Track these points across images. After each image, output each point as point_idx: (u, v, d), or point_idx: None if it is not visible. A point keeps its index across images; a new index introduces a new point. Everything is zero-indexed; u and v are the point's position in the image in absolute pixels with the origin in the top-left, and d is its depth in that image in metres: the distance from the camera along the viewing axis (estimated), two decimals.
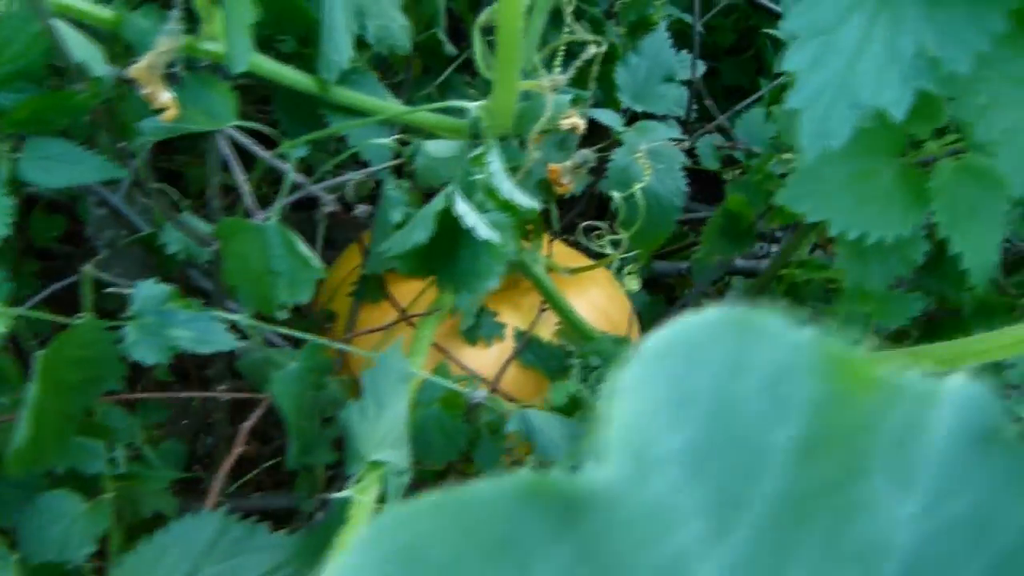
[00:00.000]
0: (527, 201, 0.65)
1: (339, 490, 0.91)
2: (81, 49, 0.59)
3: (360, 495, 0.62)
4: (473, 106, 0.63)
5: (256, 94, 1.01)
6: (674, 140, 0.96)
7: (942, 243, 0.65)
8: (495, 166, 0.63)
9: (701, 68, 1.14)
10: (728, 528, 0.19)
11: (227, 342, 0.59)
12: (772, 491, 0.19)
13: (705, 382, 0.18)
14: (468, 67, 1.07)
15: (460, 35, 1.06)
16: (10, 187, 0.58)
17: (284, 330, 0.68)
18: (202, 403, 0.83)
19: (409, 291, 0.92)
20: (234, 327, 0.68)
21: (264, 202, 0.80)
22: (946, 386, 0.20)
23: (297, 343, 0.77)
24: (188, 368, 0.97)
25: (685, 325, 0.18)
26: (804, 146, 0.44)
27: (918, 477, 0.20)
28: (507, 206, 0.64)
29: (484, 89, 1.03)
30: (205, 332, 0.58)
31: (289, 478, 1.01)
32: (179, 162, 0.96)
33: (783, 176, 0.79)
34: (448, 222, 0.62)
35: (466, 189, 0.62)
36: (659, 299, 1.29)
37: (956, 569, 0.20)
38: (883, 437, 0.19)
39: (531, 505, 0.16)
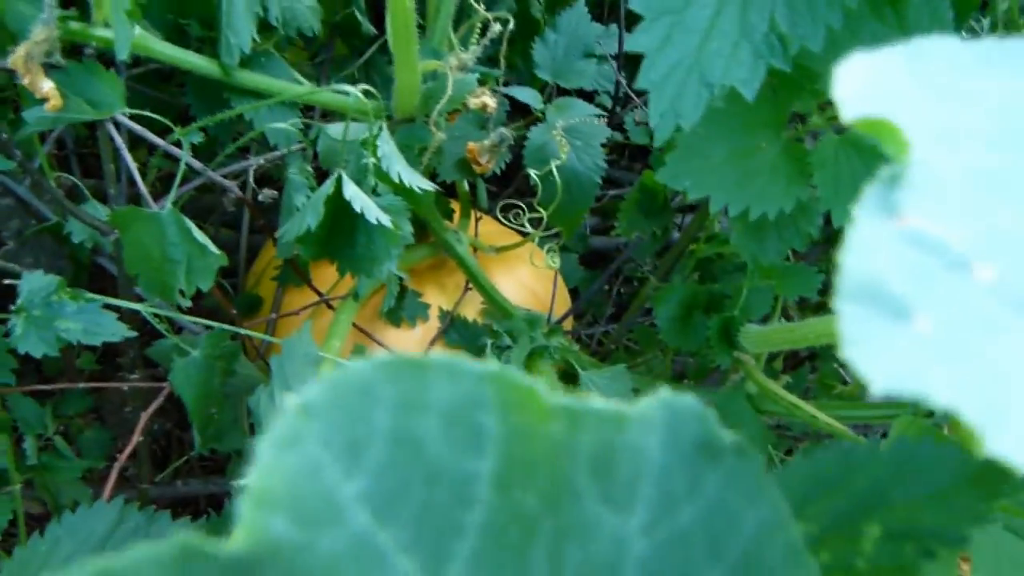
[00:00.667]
0: (424, 183, 0.65)
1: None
2: None
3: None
4: (353, 90, 0.62)
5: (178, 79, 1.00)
6: (596, 116, 0.96)
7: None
8: (385, 148, 0.62)
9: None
10: (442, 560, 0.19)
11: (116, 332, 0.59)
12: (483, 520, 0.19)
13: (380, 424, 0.18)
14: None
15: (382, 15, 1.05)
16: None
17: (188, 318, 0.68)
18: (120, 392, 0.82)
19: (333, 275, 0.92)
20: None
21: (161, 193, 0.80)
22: (641, 407, 0.20)
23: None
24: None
25: (350, 371, 0.18)
26: (655, 126, 0.44)
27: (637, 493, 0.20)
28: (402, 189, 0.63)
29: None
30: (94, 323, 0.58)
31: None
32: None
33: None
34: (342, 206, 0.62)
35: (359, 173, 0.62)
36: (597, 274, 1.29)
37: (698, 573, 0.21)
38: (580, 461, 0.19)
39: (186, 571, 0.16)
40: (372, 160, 0.61)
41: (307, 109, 0.88)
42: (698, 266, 0.78)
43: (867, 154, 0.58)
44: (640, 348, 0.91)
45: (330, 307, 0.88)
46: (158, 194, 0.79)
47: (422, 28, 1.00)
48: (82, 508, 0.58)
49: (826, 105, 0.60)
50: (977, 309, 0.19)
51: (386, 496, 0.18)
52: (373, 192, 0.62)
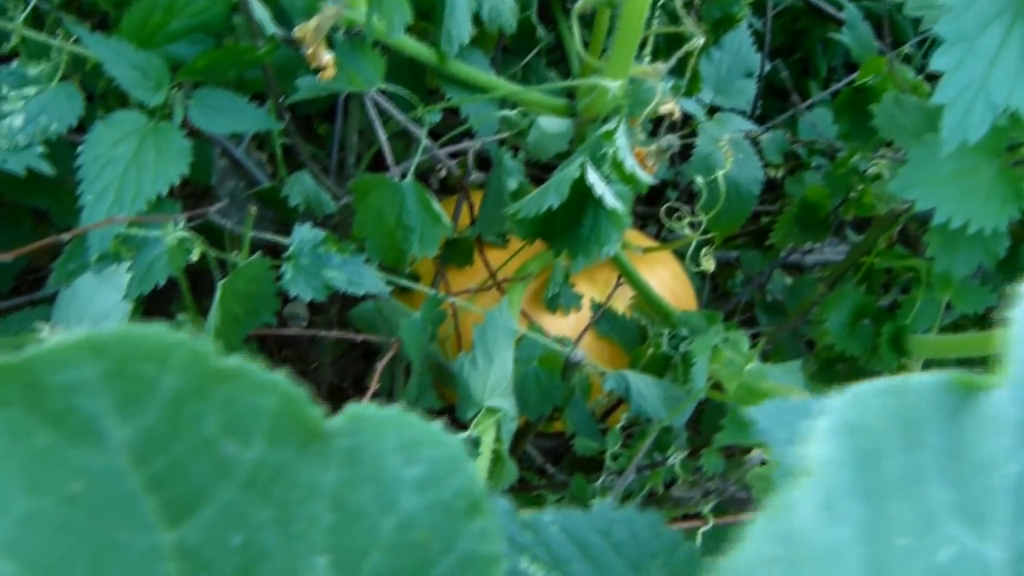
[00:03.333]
0: (646, 176, 0.70)
1: None
2: (257, 7, 0.64)
3: (483, 435, 0.68)
4: (613, 85, 0.68)
5: None
6: (748, 133, 1.01)
7: (1018, 242, 0.72)
8: (623, 141, 0.68)
9: (767, 67, 1.20)
10: None
11: (376, 285, 0.65)
12: None
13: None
14: (549, 51, 1.12)
15: (545, 19, 1.11)
16: (184, 129, 0.63)
17: (408, 282, 0.73)
18: (308, 347, 0.88)
19: (490, 259, 0.98)
20: None
21: (376, 165, 0.85)
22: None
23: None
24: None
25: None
26: (945, 137, 0.50)
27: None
28: (630, 179, 0.69)
29: (566, 72, 1.09)
30: (357, 275, 0.64)
31: None
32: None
33: (865, 172, 0.85)
34: (576, 191, 0.68)
35: (595, 161, 0.67)
36: (707, 286, 1.35)
37: None
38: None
39: (945, 393, 0.22)
40: (612, 150, 0.67)
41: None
42: (864, 278, 0.83)
43: None
44: (784, 347, 0.96)
45: (499, 289, 0.94)
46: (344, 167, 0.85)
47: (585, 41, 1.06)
48: None
49: None
50: None
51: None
52: (607, 180, 0.67)
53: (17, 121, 0.59)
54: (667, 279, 1.06)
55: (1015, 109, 0.50)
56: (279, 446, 0.23)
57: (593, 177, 0.66)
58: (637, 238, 1.12)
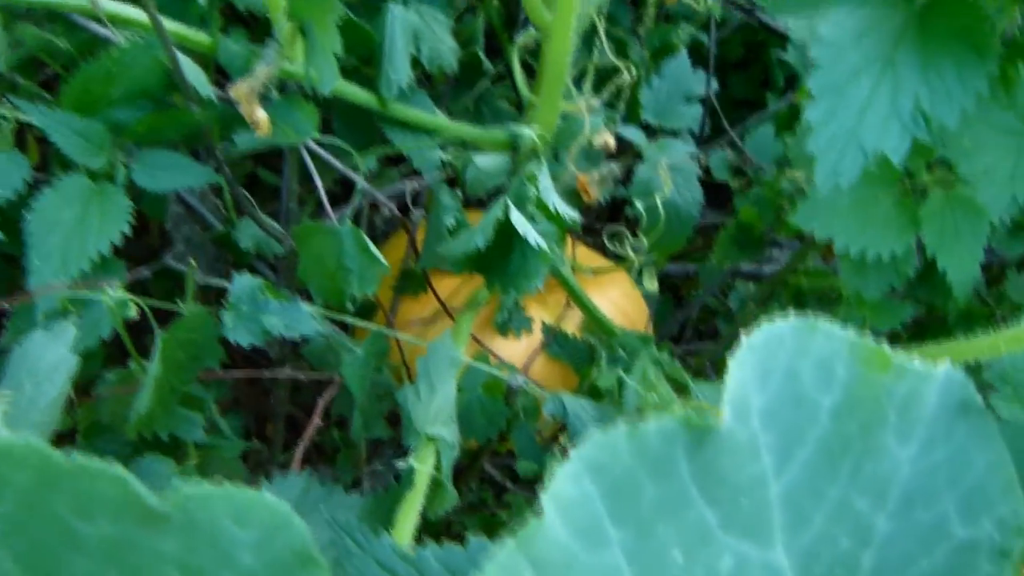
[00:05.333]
0: (570, 213, 0.74)
1: (382, 464, 1.01)
2: (191, 72, 0.68)
3: (420, 464, 0.72)
4: (527, 130, 0.72)
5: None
6: (694, 156, 1.05)
7: (932, 259, 0.75)
8: (545, 181, 0.72)
9: (713, 85, 1.24)
10: (788, 459, 0.28)
11: (311, 328, 0.69)
12: (817, 437, 0.29)
13: (779, 363, 0.28)
14: (501, 79, 1.16)
15: (494, 51, 1.14)
16: (126, 191, 0.67)
17: (352, 319, 0.77)
18: (263, 384, 0.92)
19: (445, 286, 1.02)
20: None
21: (319, 206, 0.89)
22: (936, 369, 0.30)
23: (346, 331, 0.87)
24: (235, 357, 1.07)
25: (771, 327, 0.27)
26: (818, 183, 0.54)
27: (914, 431, 0.30)
28: (553, 217, 0.73)
29: (518, 102, 1.13)
30: (294, 320, 0.68)
31: (328, 455, 1.10)
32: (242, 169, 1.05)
33: (791, 194, 0.88)
34: (501, 230, 0.71)
35: (518, 201, 0.71)
36: (667, 298, 1.39)
37: (938, 496, 0.30)
38: (893, 403, 0.29)
39: (679, 433, 0.26)
40: (534, 191, 0.71)
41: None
42: (793, 297, 0.87)
43: (968, 209, 0.67)
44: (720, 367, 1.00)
45: (450, 316, 0.97)
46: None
47: (530, 67, 1.10)
48: (278, 478, 0.67)
49: (934, 165, 0.69)
50: None
51: (770, 410, 0.28)
52: (531, 219, 0.71)
53: None
54: (617, 298, 1.09)
55: (885, 154, 0.54)
56: (121, 523, 0.27)
57: (516, 218, 0.70)
58: (591, 258, 1.16)
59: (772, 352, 0.28)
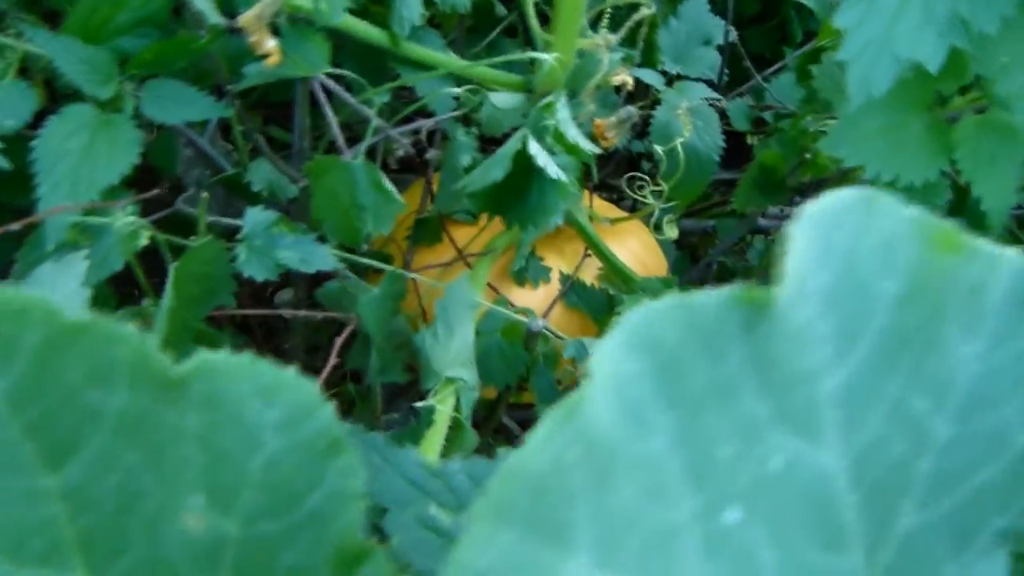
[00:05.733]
0: (589, 145, 0.72)
1: (398, 412, 0.99)
2: None
3: (440, 405, 0.71)
4: (547, 58, 0.70)
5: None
6: (709, 100, 1.03)
7: (962, 191, 0.73)
8: (563, 113, 0.70)
9: (732, 34, 1.21)
10: (846, 353, 0.26)
11: (328, 262, 0.67)
12: (878, 328, 0.26)
13: (840, 240, 0.25)
14: (511, 29, 1.14)
15: None
16: (135, 121, 0.65)
17: (369, 261, 0.75)
18: (277, 340, 0.91)
19: (460, 236, 1.00)
20: None
21: (331, 148, 0.88)
22: (1007, 253, 0.28)
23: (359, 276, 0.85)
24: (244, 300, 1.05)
25: (830, 198, 0.25)
26: (851, 93, 0.52)
27: (982, 325, 0.28)
28: (572, 149, 0.71)
29: (531, 48, 1.10)
30: (309, 253, 0.66)
31: (345, 408, 1.09)
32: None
33: (816, 132, 0.86)
34: (520, 163, 0.70)
35: (536, 133, 0.69)
36: (684, 255, 1.37)
37: (1003, 400, 0.28)
38: (959, 290, 0.27)
39: (733, 307, 0.24)
40: (553, 122, 0.69)
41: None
42: None
43: (1004, 132, 0.64)
44: None
45: (467, 264, 0.96)
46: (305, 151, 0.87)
47: (544, 15, 1.07)
48: None
49: (967, 88, 0.67)
50: None
51: (830, 294, 0.26)
52: (550, 151, 0.69)
53: None
54: (636, 249, 1.07)
55: (920, 62, 0.51)
56: (139, 392, 0.26)
57: (535, 148, 0.68)
58: (606, 209, 1.14)
59: (832, 228, 0.26)
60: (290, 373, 0.28)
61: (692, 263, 1.47)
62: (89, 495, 0.27)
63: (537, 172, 0.69)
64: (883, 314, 0.28)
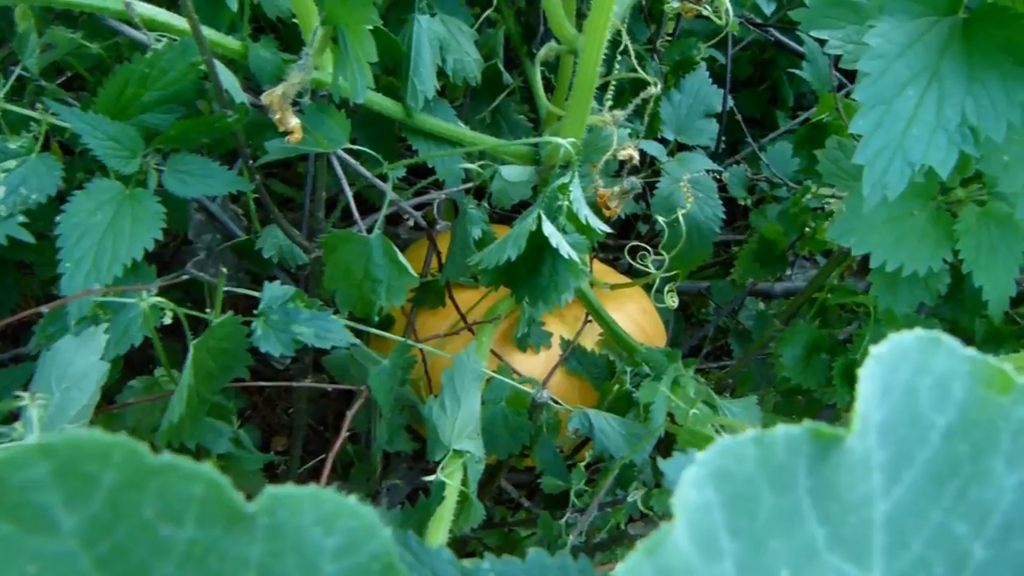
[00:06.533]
0: (601, 225, 0.74)
1: (398, 478, 0.99)
2: (225, 77, 0.67)
3: (449, 479, 0.71)
4: (564, 143, 0.72)
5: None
6: (709, 171, 1.05)
7: (960, 277, 0.75)
8: (577, 193, 0.72)
9: (729, 102, 1.24)
10: (896, 481, 0.28)
11: (344, 338, 0.68)
12: (927, 458, 0.28)
13: (901, 377, 0.27)
14: (513, 94, 1.16)
15: (511, 64, 1.14)
16: (158, 195, 0.66)
17: (379, 332, 0.76)
18: (272, 398, 0.91)
19: (462, 300, 1.01)
20: None
21: (342, 216, 0.89)
22: None
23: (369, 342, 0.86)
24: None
25: (897, 339, 0.27)
26: (866, 195, 0.53)
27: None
28: (584, 229, 0.72)
29: (534, 115, 1.13)
30: (325, 329, 0.67)
31: (342, 468, 1.09)
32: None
33: (815, 209, 0.88)
34: (533, 242, 0.71)
35: (550, 213, 0.71)
36: (679, 316, 1.38)
37: None
38: (1009, 426, 0.28)
39: (806, 443, 0.25)
40: (566, 203, 0.70)
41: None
42: (818, 313, 0.87)
43: (1005, 225, 0.67)
44: (751, 377, 0.99)
45: (470, 331, 0.97)
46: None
47: (547, 80, 1.10)
48: None
49: (968, 181, 0.69)
50: None
51: (886, 427, 0.27)
52: (563, 231, 0.71)
53: None
54: (635, 314, 1.09)
55: (930, 167, 0.53)
56: (208, 526, 0.26)
57: (549, 229, 0.69)
58: (606, 274, 1.15)
59: (895, 366, 0.28)
60: (350, 501, 0.29)
61: (686, 323, 1.49)
62: None
63: (550, 251, 0.70)
64: (933, 444, 0.29)
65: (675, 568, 0.25)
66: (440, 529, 0.65)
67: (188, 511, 0.26)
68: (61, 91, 0.75)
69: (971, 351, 0.28)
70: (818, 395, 0.83)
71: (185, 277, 0.78)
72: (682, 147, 1.06)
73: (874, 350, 0.27)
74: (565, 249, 0.69)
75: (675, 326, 1.25)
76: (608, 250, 1.35)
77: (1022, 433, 0.28)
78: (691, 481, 0.25)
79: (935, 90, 0.53)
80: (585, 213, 0.72)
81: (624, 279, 1.10)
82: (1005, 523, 0.30)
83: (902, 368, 0.28)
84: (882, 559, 0.29)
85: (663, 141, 1.04)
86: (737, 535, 0.27)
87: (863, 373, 0.27)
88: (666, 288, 0.99)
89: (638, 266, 0.99)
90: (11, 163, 0.63)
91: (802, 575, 0.28)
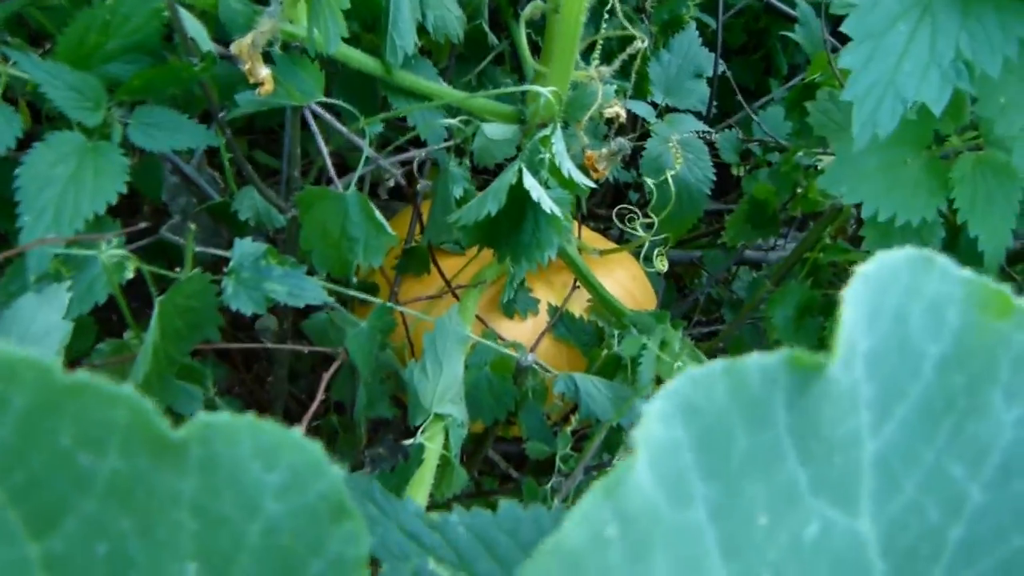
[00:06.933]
0: (584, 179, 0.72)
1: (383, 447, 0.97)
2: (191, 25, 0.65)
3: (429, 443, 0.69)
4: (545, 92, 0.69)
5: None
6: (699, 133, 1.03)
7: (956, 230, 0.73)
8: (560, 147, 0.69)
9: (721, 67, 1.21)
10: (885, 418, 0.25)
11: (319, 296, 0.65)
12: (919, 392, 0.25)
13: (890, 302, 0.25)
14: (502, 61, 1.13)
15: (497, 26, 1.12)
16: (123, 148, 0.64)
17: (358, 294, 0.74)
18: (258, 371, 0.89)
19: (448, 267, 0.99)
20: None
21: (320, 176, 0.87)
22: None
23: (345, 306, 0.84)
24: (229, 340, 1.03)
25: (884, 258, 0.24)
26: (856, 133, 0.51)
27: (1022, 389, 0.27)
28: (568, 183, 0.70)
29: (520, 80, 1.10)
30: (298, 287, 0.64)
31: (327, 439, 1.07)
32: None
33: (808, 168, 0.86)
34: (514, 197, 0.69)
35: (532, 167, 0.68)
36: (671, 286, 1.36)
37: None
38: (1008, 356, 0.26)
39: (783, 373, 0.23)
40: (548, 155, 0.68)
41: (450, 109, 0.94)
42: (810, 273, 0.85)
43: (1002, 172, 0.64)
44: (747, 341, 0.97)
45: (455, 296, 0.94)
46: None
47: (535, 45, 1.07)
48: None
49: (964, 129, 0.66)
50: None
51: (875, 357, 0.25)
52: (545, 185, 0.68)
53: None
54: (625, 280, 1.07)
55: (924, 103, 0.51)
56: (133, 456, 0.24)
57: (530, 182, 0.67)
58: (596, 240, 1.13)
59: (884, 289, 0.25)
60: (294, 434, 0.26)
61: (678, 292, 1.46)
62: (75, 564, 0.25)
63: (532, 206, 0.68)
64: (926, 377, 0.27)
65: (639, 512, 0.22)
66: (419, 493, 0.63)
67: (110, 439, 0.24)
68: (24, 45, 0.72)
69: (967, 272, 0.25)
70: None
71: (156, 238, 0.76)
72: (672, 110, 1.03)
73: (860, 269, 0.25)
74: (547, 204, 0.67)
75: (666, 296, 1.23)
76: (599, 219, 1.33)
77: (1022, 362, 0.26)
78: (656, 415, 0.23)
79: (928, 24, 0.51)
80: (568, 167, 0.70)
81: (618, 246, 1.08)
82: (1004, 463, 0.27)
83: (891, 291, 0.25)
84: (871, 504, 0.27)
85: (653, 105, 1.02)
86: (710, 478, 0.24)
87: (847, 295, 0.25)
88: (655, 252, 0.96)
89: (628, 230, 0.97)
90: None
91: (783, 522, 0.26)
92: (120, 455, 0.24)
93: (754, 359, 0.24)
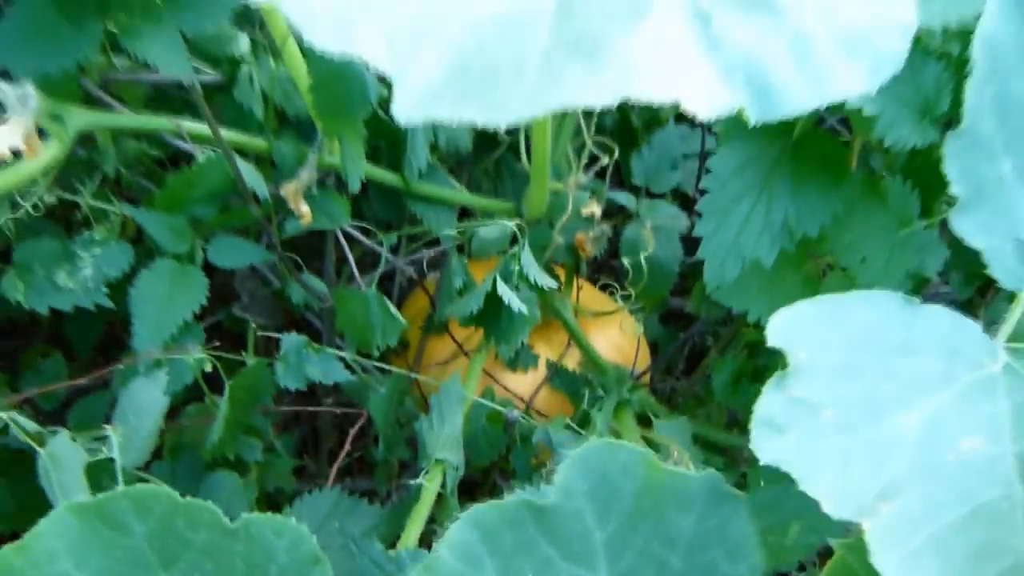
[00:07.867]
0: (549, 282, 0.93)
1: (411, 478, 1.20)
2: (251, 178, 0.88)
3: (428, 483, 0.91)
4: (511, 224, 0.91)
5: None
6: (679, 216, 1.22)
7: None
8: (527, 259, 0.90)
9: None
10: (606, 522, 0.47)
11: (342, 376, 0.89)
12: (624, 509, 0.47)
13: (597, 463, 0.46)
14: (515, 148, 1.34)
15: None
16: (203, 268, 0.88)
17: (377, 363, 0.97)
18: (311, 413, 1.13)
19: (463, 329, 1.20)
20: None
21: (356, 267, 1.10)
22: (691, 473, 0.48)
23: (381, 369, 1.07)
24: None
25: (588, 445, 0.46)
26: (707, 280, 0.71)
27: (691, 506, 0.48)
28: (534, 287, 0.91)
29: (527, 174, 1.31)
30: (329, 369, 0.88)
31: (370, 468, 1.31)
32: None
33: None
34: (494, 297, 0.90)
35: (504, 275, 0.90)
36: (674, 330, 1.55)
37: (711, 547, 0.49)
38: (670, 490, 0.47)
39: (524, 507, 0.45)
40: (516, 267, 0.89)
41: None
42: (746, 345, 1.03)
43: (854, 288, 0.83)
44: (706, 396, 1.16)
45: (465, 354, 1.17)
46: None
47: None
48: (316, 493, 0.88)
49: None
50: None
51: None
52: (516, 288, 0.90)
53: (87, 272, 0.85)
54: (615, 336, 1.27)
55: (759, 259, 0.70)
56: (212, 533, 0.47)
57: (502, 289, 0.88)
58: (594, 297, 1.33)
59: (591, 457, 0.47)
60: (292, 520, 0.49)
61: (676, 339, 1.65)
62: None
63: (505, 307, 0.89)
64: (626, 501, 0.48)
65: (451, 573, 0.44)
66: (415, 523, 0.85)
67: (201, 525, 0.48)
68: (137, 181, 0.97)
69: (639, 447, 0.46)
70: (744, 417, 1.00)
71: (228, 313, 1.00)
72: (652, 195, 1.23)
73: (573, 453, 0.46)
74: (516, 305, 0.89)
75: (666, 342, 1.42)
76: (602, 270, 1.52)
77: (678, 492, 0.47)
78: (457, 528, 0.45)
79: (765, 200, 0.70)
80: (534, 274, 0.91)
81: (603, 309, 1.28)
82: (689, 545, 0.48)
83: (597, 458, 0.47)
84: (606, 565, 0.49)
85: (634, 190, 1.21)
86: (492, 555, 0.46)
87: (562, 465, 0.46)
88: (635, 315, 1.16)
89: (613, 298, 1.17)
90: (97, 249, 0.85)
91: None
92: (206, 532, 0.47)
93: (510, 499, 0.45)
